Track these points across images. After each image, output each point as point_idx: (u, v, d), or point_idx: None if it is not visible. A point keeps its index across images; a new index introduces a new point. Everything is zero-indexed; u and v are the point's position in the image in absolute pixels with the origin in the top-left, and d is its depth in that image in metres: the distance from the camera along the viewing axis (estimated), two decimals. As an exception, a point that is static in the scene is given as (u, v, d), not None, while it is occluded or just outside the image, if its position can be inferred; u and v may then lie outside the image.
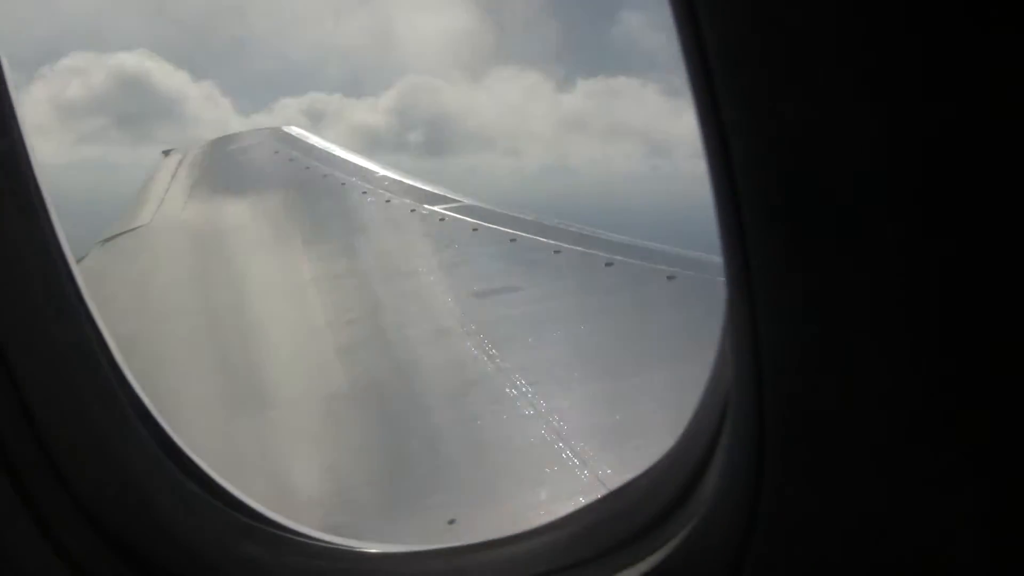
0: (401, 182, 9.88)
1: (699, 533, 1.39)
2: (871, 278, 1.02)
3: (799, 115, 0.99)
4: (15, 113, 1.63)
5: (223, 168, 12.94)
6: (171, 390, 4.52)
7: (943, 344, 1.02)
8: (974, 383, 1.02)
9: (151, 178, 13.20)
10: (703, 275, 5.04)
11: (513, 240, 6.80)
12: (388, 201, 9.06)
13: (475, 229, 7.33)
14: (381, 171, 10.68)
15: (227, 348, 5.79)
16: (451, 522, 3.02)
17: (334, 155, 12.20)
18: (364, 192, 9.66)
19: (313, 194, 10.25)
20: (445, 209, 8.21)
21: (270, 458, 4.05)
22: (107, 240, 9.89)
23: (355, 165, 11.33)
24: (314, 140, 13.54)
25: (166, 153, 14.83)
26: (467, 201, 8.49)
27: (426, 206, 8.45)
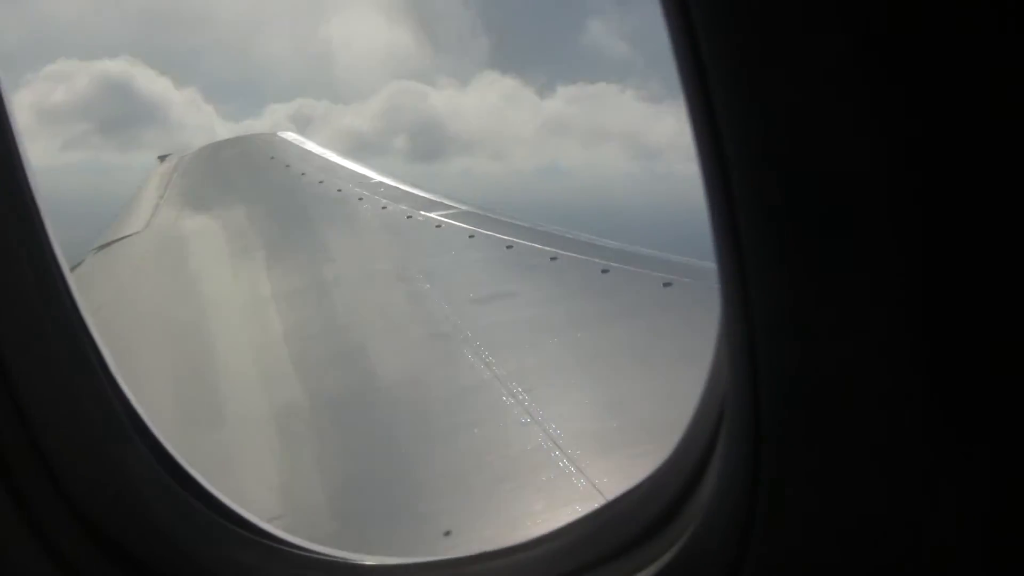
0: (397, 188, 9.88)
1: (698, 538, 1.38)
2: (869, 278, 1.02)
3: (795, 115, 0.98)
4: (8, 117, 1.62)
5: (218, 174, 12.93)
6: (168, 400, 4.50)
7: (941, 344, 1.02)
8: (973, 383, 1.02)
9: (146, 184, 13.18)
10: (700, 282, 5.04)
11: (510, 247, 6.80)
12: (384, 208, 9.06)
13: (472, 236, 7.33)
14: (376, 177, 10.68)
15: (224, 356, 5.77)
16: (447, 534, 3.00)
17: (329, 161, 12.20)
18: (360, 199, 9.66)
19: (309, 200, 10.25)
20: (441, 216, 8.21)
21: (266, 465, 4.03)
22: (102, 247, 9.86)
23: (350, 171, 11.34)
24: (309, 146, 13.55)
25: (162, 159, 14.82)
26: (463, 207, 8.49)
27: (422, 212, 8.45)
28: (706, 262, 4.92)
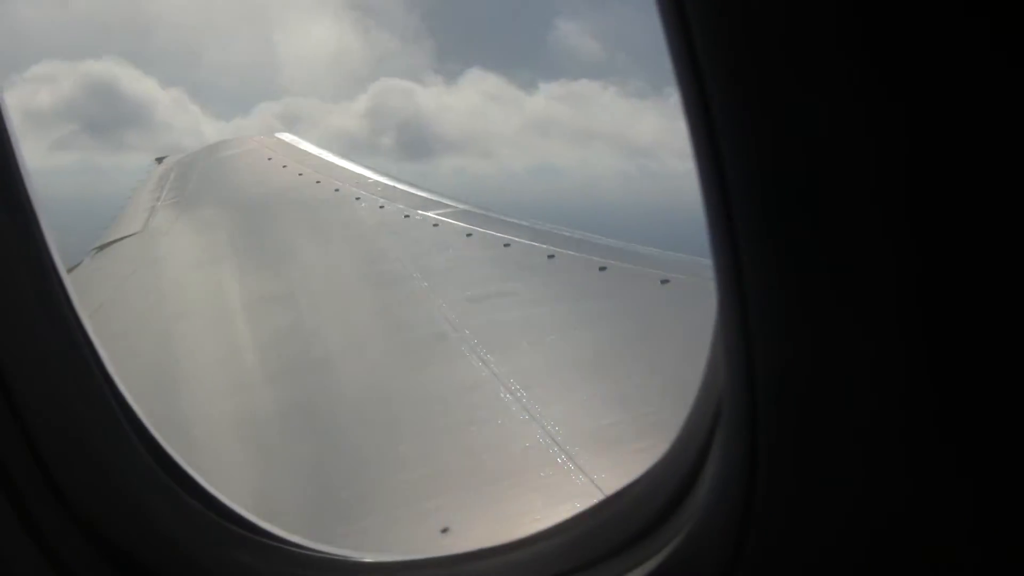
0: (394, 187, 9.89)
1: (694, 536, 1.38)
2: (867, 278, 1.02)
3: (792, 115, 0.98)
4: (4, 118, 1.62)
5: (216, 175, 12.93)
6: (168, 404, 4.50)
7: (937, 343, 1.02)
8: (970, 382, 1.02)
9: (143, 185, 13.18)
10: (697, 279, 5.05)
11: (507, 245, 6.81)
12: (382, 207, 9.06)
13: (469, 234, 7.33)
14: (373, 176, 10.69)
15: (224, 355, 5.76)
16: (444, 530, 3.00)
17: (327, 161, 12.21)
18: (358, 198, 9.67)
19: (307, 200, 10.26)
20: (439, 215, 8.21)
21: (265, 463, 4.03)
22: (101, 248, 9.86)
23: (348, 171, 11.35)
24: (306, 146, 13.56)
25: (159, 160, 14.82)
26: (461, 206, 8.50)
27: (419, 212, 8.45)
28: (703, 258, 4.93)
